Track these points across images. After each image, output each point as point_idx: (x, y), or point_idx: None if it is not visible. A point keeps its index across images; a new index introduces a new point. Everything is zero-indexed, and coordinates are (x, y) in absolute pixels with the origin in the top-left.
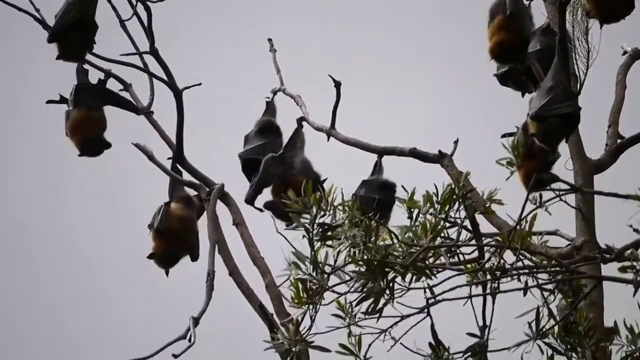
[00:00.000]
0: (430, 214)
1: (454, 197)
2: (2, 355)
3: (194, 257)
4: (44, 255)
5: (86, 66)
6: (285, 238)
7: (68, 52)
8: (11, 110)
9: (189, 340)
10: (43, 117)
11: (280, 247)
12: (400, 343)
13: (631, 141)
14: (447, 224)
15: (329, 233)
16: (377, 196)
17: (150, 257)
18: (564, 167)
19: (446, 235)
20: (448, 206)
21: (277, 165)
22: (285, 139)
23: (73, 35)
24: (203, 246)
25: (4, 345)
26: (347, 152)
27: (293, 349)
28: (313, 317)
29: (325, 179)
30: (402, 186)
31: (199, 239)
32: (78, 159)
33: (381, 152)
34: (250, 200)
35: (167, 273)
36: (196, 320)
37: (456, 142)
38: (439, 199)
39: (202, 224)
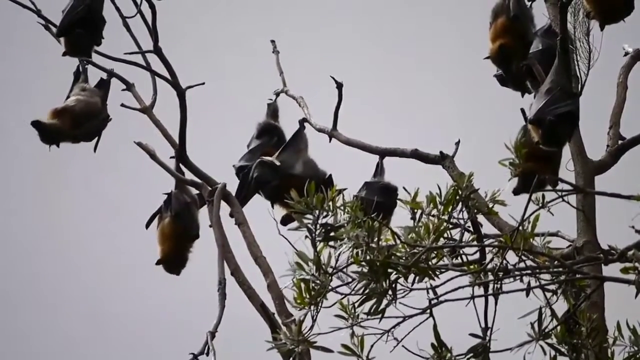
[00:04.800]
0: (434, 215)
1: (457, 197)
2: None
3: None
4: (45, 260)
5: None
6: (288, 240)
7: (75, 48)
8: (11, 109)
9: (207, 354)
10: (43, 115)
11: (282, 247)
12: (403, 346)
13: (632, 142)
14: (450, 225)
15: (332, 233)
16: (377, 199)
17: (158, 261)
18: (565, 168)
19: (449, 236)
20: (451, 207)
21: (268, 170)
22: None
23: (81, 30)
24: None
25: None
26: (349, 153)
27: (295, 349)
28: (315, 318)
29: (330, 175)
30: (404, 187)
31: None
32: (79, 157)
33: (383, 153)
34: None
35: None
36: (213, 334)
37: (457, 143)
38: (442, 199)
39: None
